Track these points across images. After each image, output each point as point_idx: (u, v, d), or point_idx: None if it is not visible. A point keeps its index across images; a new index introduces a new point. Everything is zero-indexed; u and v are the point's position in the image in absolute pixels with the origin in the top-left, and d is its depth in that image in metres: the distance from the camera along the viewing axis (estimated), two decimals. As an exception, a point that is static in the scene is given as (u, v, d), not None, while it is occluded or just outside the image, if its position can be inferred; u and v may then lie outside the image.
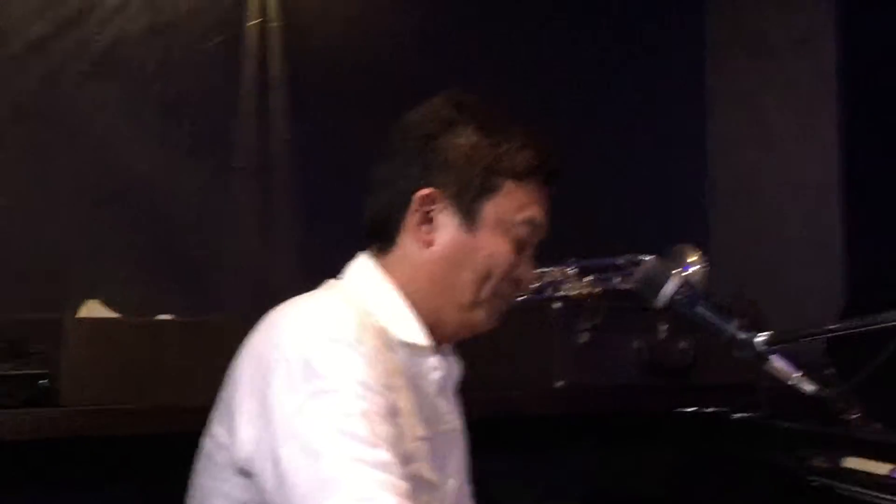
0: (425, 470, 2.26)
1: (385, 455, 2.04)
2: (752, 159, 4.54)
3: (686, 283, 2.45)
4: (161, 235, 3.36)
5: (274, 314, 2.25)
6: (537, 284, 3.47)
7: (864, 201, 4.30)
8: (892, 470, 2.02)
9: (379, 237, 2.35)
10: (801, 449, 2.69)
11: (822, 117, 4.39)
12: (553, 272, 3.46)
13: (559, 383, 3.38)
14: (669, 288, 2.41)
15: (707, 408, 3.11)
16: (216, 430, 2.24)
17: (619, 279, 3.43)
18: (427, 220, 2.30)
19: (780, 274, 4.35)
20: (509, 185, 2.31)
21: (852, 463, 2.38)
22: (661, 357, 3.52)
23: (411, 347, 2.30)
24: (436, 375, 2.34)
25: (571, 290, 3.41)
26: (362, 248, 2.38)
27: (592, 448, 3.59)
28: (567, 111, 4.09)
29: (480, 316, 2.35)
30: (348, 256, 2.42)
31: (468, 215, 2.29)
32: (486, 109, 2.36)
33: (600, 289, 3.41)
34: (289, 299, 2.28)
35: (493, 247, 2.31)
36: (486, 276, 2.31)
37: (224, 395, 2.25)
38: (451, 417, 2.41)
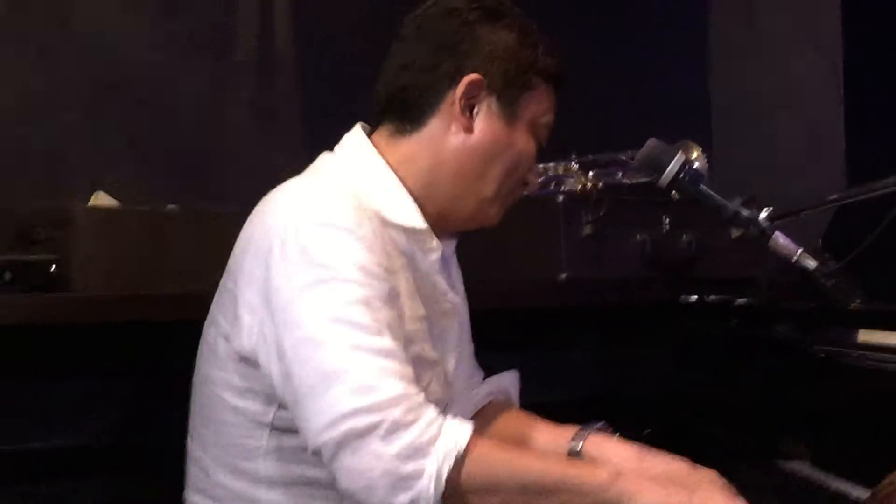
0: (427, 349, 2.30)
1: (388, 341, 2.07)
2: (752, 65, 4.54)
3: (688, 162, 2.46)
4: (162, 128, 3.38)
5: (267, 200, 2.26)
6: (541, 179, 3.50)
7: (864, 107, 4.31)
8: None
9: (402, 117, 2.34)
10: (805, 327, 2.71)
11: (822, 23, 4.40)
12: (556, 167, 3.49)
13: (563, 276, 3.40)
14: (673, 165, 2.42)
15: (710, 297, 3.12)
16: (219, 320, 2.26)
17: (621, 173, 3.46)
18: (469, 106, 2.30)
19: (781, 176, 4.36)
20: (541, 86, 2.35)
21: (861, 335, 2.39)
22: (664, 250, 3.53)
23: (407, 230, 2.30)
24: (433, 256, 2.35)
25: (574, 184, 3.44)
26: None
27: (596, 341, 3.60)
28: (573, 15, 4.09)
29: (495, 210, 2.39)
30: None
31: (509, 108, 2.32)
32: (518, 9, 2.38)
33: (603, 183, 3.44)
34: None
35: (524, 143, 2.35)
36: (512, 172, 2.36)
37: (225, 284, 2.27)
38: (451, 295, 2.43)
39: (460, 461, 2.02)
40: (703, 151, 3.41)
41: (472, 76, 2.28)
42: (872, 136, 4.23)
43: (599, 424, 2.50)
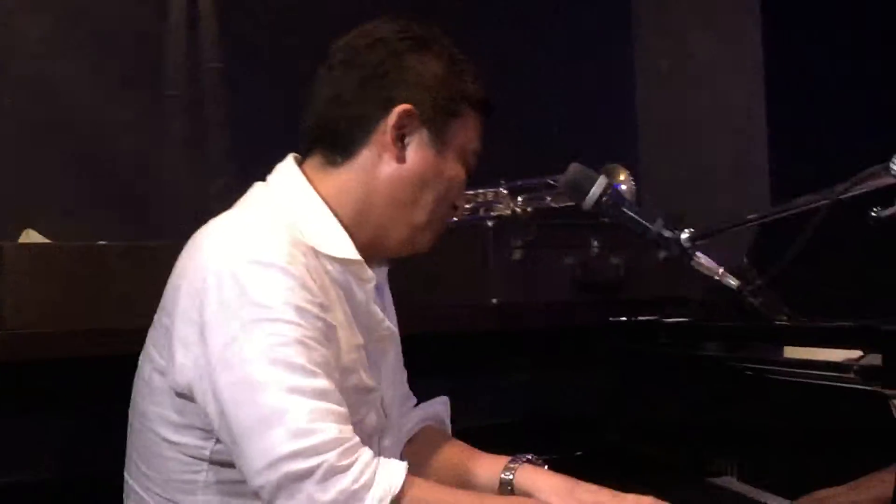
0: (364, 378, 2.31)
1: (323, 382, 2.09)
2: (678, 86, 4.59)
3: (611, 186, 2.50)
4: (97, 166, 3.37)
5: (200, 235, 2.25)
6: (471, 205, 3.53)
7: (788, 127, 4.38)
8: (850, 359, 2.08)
9: (332, 148, 2.34)
10: (733, 345, 2.75)
11: (744, 43, 4.46)
12: (486, 193, 3.52)
13: (494, 301, 3.43)
14: (596, 189, 2.46)
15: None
16: (153, 355, 2.26)
17: (550, 197, 3.50)
18: (400, 136, 2.31)
19: (709, 196, 4.41)
20: (468, 113, 2.36)
21: (786, 352, 2.44)
22: (593, 273, 3.58)
23: (341, 261, 2.30)
24: (368, 286, 2.36)
25: (504, 209, 3.47)
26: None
27: (528, 364, 3.63)
28: (498, 36, 4.12)
29: (427, 236, 2.40)
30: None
31: (439, 137, 2.33)
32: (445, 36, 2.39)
33: (532, 208, 3.48)
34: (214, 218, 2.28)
35: (454, 171, 2.37)
36: (444, 199, 2.37)
37: (160, 319, 2.26)
38: (386, 323, 2.44)
39: None
40: (631, 173, 3.44)
41: (404, 106, 2.29)
42: (796, 153, 4.29)
43: (529, 456, 2.52)
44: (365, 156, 2.32)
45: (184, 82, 3.54)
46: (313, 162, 2.37)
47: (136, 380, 2.34)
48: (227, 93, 3.59)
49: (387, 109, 2.30)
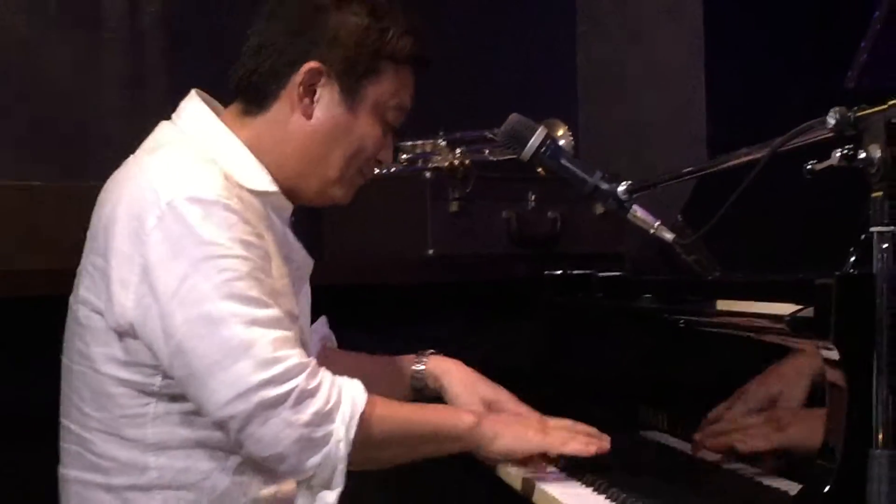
0: (291, 304, 2.36)
1: (275, 311, 2.19)
2: (619, 42, 4.60)
3: (550, 137, 2.50)
4: (33, 106, 3.33)
5: (125, 175, 2.31)
6: (409, 156, 3.53)
7: (726, 85, 4.39)
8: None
9: (249, 99, 2.40)
10: (666, 298, 2.78)
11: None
12: (424, 144, 3.53)
13: (430, 252, 3.43)
14: (535, 140, 2.46)
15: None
16: (89, 298, 2.28)
17: (488, 150, 3.50)
18: (310, 92, 2.36)
19: (646, 155, 4.43)
20: (389, 70, 2.39)
21: (718, 305, 2.47)
22: (529, 226, 3.59)
23: (260, 194, 2.35)
24: (286, 214, 2.42)
25: (442, 161, 3.48)
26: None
27: (463, 316, 3.64)
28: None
29: (341, 191, 2.46)
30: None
31: (350, 95, 2.37)
32: None
33: (470, 160, 3.48)
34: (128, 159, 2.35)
35: (366, 128, 2.40)
36: (355, 155, 2.41)
37: (91, 261, 2.29)
38: (304, 252, 2.49)
39: (362, 421, 2.20)
40: (570, 129, 3.45)
41: (311, 64, 2.34)
42: (734, 111, 4.31)
43: (432, 350, 2.74)
44: (276, 109, 2.39)
45: (123, 21, 3.49)
46: (234, 109, 2.43)
47: (69, 323, 2.36)
48: (166, 36, 3.55)
49: (298, 66, 2.35)
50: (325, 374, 2.20)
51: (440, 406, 2.53)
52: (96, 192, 2.35)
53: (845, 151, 1.69)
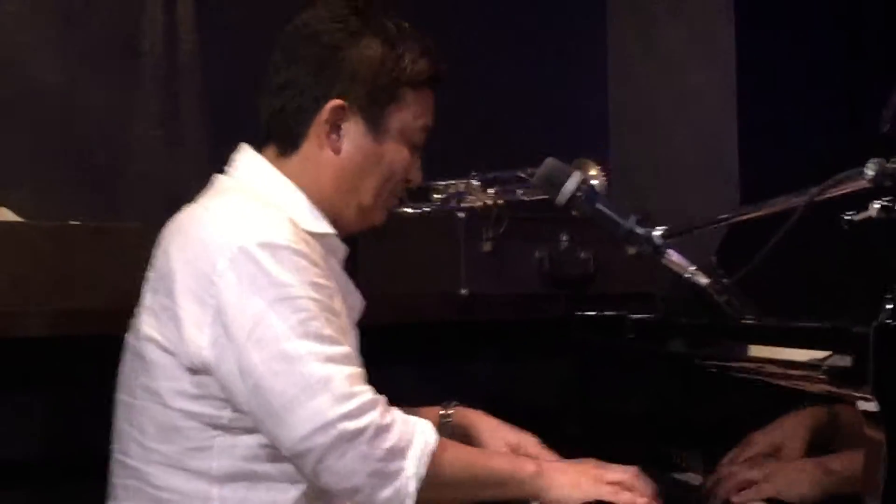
0: (353, 342, 2.44)
1: (347, 349, 2.28)
2: (651, 81, 4.61)
3: (585, 181, 2.51)
4: (68, 144, 3.36)
5: (187, 221, 2.36)
6: (442, 195, 3.54)
7: (757, 119, 4.40)
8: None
9: (282, 139, 2.47)
10: (698, 342, 2.77)
11: (716, 38, 4.48)
12: (457, 184, 3.54)
13: (463, 291, 3.44)
14: (570, 184, 2.47)
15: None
16: (151, 334, 2.34)
17: (521, 191, 3.51)
18: (336, 128, 2.43)
19: (678, 194, 4.43)
20: (409, 95, 2.47)
21: (752, 350, 2.47)
22: (562, 267, 3.59)
23: (320, 237, 2.43)
24: (341, 255, 2.52)
25: (475, 201, 3.49)
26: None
27: (495, 355, 3.64)
28: (471, 29, 4.12)
29: (378, 214, 2.54)
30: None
31: (375, 126, 2.45)
32: (386, 17, 2.48)
33: (503, 200, 3.49)
34: (188, 206, 2.40)
35: (394, 154, 2.48)
36: (387, 181, 2.49)
37: (157, 301, 2.34)
38: (355, 296, 2.59)
39: (432, 460, 2.26)
40: (601, 167, 3.45)
41: (335, 102, 2.42)
42: (766, 150, 4.32)
43: (455, 402, 2.79)
44: (307, 147, 2.45)
45: (160, 60, 3.51)
46: (269, 152, 2.49)
47: (128, 360, 2.42)
48: (204, 72, 3.57)
49: (322, 104, 2.42)
50: (397, 412, 2.27)
51: (504, 453, 2.60)
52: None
53: (885, 203, 1.69)
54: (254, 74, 3.53)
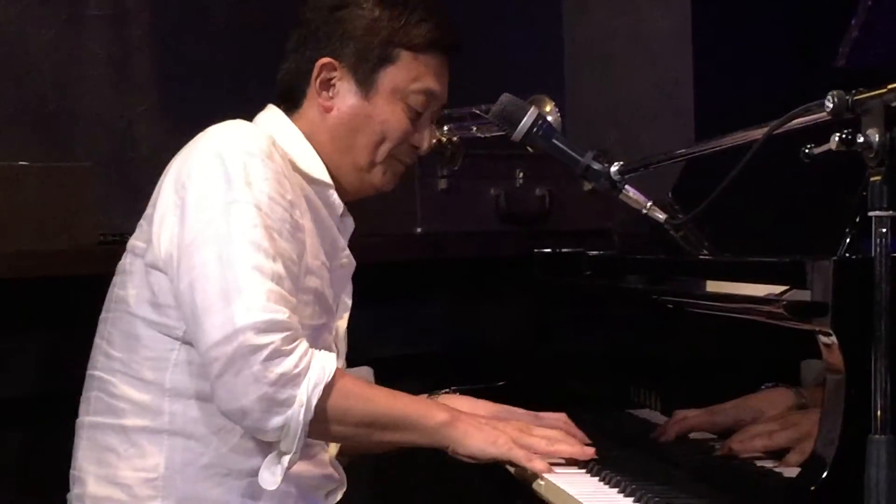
0: (327, 291, 2.48)
1: (280, 268, 2.27)
2: (605, 15, 4.58)
3: (541, 117, 2.49)
4: (16, 86, 3.31)
5: (192, 141, 2.43)
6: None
7: (712, 55, 4.39)
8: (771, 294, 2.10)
9: (286, 101, 2.57)
10: (655, 278, 2.77)
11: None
12: (411, 121, 3.50)
13: (418, 230, 3.43)
14: (527, 120, 2.45)
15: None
16: (134, 244, 2.43)
17: (476, 127, 3.49)
18: (328, 86, 2.51)
19: (631, 130, 4.42)
20: (406, 57, 2.52)
21: (708, 286, 2.47)
22: (518, 204, 3.59)
23: (314, 180, 2.50)
24: (338, 209, 2.55)
25: (429, 137, 3.46)
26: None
27: (452, 294, 3.64)
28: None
29: (377, 176, 2.58)
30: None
31: (364, 84, 2.51)
32: None
33: (458, 136, 3.47)
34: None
35: (387, 114, 2.52)
36: (381, 140, 2.53)
37: (145, 216, 2.43)
38: (346, 252, 2.61)
39: (326, 391, 2.23)
40: (556, 103, 3.43)
41: (323, 60, 2.50)
42: (720, 86, 4.31)
43: (447, 389, 2.71)
44: (306, 107, 2.54)
45: (108, 2, 3.46)
46: (283, 111, 2.58)
47: (115, 279, 2.47)
48: (152, 12, 3.52)
49: (314, 63, 2.50)
50: (302, 341, 2.23)
51: (415, 397, 2.49)
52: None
53: (844, 136, 1.68)
54: (203, 12, 3.54)
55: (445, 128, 3.47)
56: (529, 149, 2.55)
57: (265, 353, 2.16)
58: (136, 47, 3.48)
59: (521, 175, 3.60)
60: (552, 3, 4.55)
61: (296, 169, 2.46)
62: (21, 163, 2.85)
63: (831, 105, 1.72)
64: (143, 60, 3.46)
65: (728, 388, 2.48)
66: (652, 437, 2.56)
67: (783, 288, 2.05)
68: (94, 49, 3.43)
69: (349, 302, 2.65)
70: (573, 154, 2.44)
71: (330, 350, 2.39)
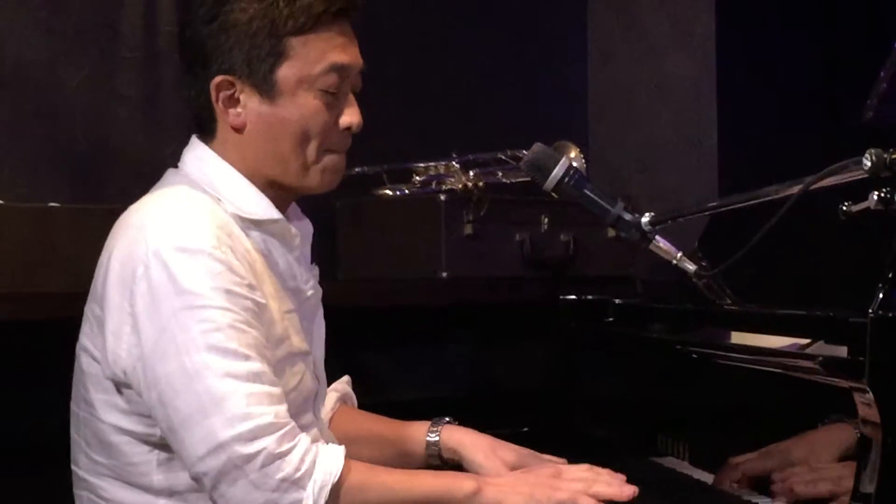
0: (297, 341, 2.33)
1: (256, 364, 2.13)
2: (629, 63, 4.60)
3: (572, 167, 2.51)
4: (47, 126, 3.32)
5: (124, 223, 2.27)
6: (422, 177, 3.54)
7: (737, 105, 4.40)
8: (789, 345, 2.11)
9: (201, 130, 2.36)
10: (680, 327, 2.78)
11: (698, 23, 4.47)
12: (437, 166, 3.53)
13: (443, 274, 3.44)
14: (558, 170, 2.46)
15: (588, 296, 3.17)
16: (88, 346, 2.27)
17: (501, 173, 3.51)
18: (233, 103, 2.29)
19: (656, 175, 4.44)
20: (294, 44, 2.27)
21: (733, 337, 2.47)
22: (542, 249, 3.60)
23: (264, 223, 2.32)
24: (294, 241, 2.36)
25: (455, 183, 3.48)
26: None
27: (475, 339, 3.65)
28: (450, 10, 4.09)
29: (315, 180, 2.34)
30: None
31: (265, 89, 2.27)
32: None
33: (483, 182, 3.49)
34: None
35: (299, 109, 2.29)
36: (305, 139, 2.30)
37: (91, 310, 2.27)
38: (312, 284, 2.44)
39: (335, 491, 2.11)
40: (581, 150, 3.45)
41: (216, 79, 2.28)
42: (745, 135, 4.32)
43: (447, 419, 2.59)
44: (220, 131, 2.33)
45: (139, 43, 3.48)
46: (204, 142, 2.37)
47: (75, 370, 2.33)
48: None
49: (209, 84, 2.29)
50: (302, 439, 2.13)
51: (438, 472, 2.37)
52: (109, 213, 2.36)
53: (883, 194, 1.69)
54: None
55: (471, 173, 3.48)
56: (554, 195, 2.55)
57: (259, 459, 2.06)
58: (167, 89, 3.49)
59: (546, 220, 3.60)
60: (577, 50, 4.57)
61: (244, 220, 2.28)
62: (51, 204, 2.87)
63: (869, 163, 1.73)
64: (174, 102, 3.46)
65: (750, 438, 2.48)
66: (706, 488, 2.51)
67: (806, 340, 2.06)
68: (125, 91, 3.45)
69: (322, 328, 2.51)
70: (604, 204, 2.46)
71: (312, 386, 2.32)
